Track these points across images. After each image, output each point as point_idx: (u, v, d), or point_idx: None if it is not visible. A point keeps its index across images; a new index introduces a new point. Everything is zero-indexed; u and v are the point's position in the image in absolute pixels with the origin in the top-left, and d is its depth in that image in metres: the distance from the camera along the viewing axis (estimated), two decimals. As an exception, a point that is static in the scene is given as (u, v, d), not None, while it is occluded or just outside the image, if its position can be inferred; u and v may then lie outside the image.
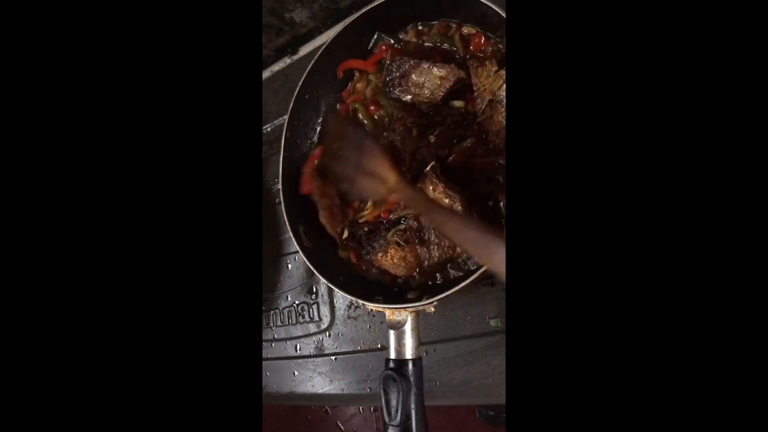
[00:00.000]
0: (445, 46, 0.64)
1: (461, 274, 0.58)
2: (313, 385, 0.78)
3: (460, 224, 0.35)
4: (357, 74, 0.72)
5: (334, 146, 0.57)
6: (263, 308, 0.85)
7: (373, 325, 0.73)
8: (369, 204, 0.64)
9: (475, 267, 0.56)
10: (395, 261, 0.60)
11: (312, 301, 0.79)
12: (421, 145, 0.61)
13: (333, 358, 0.76)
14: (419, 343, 0.58)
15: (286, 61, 0.93)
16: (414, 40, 0.67)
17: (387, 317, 0.60)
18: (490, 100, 0.56)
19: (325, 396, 0.77)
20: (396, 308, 0.58)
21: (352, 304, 0.75)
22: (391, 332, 0.58)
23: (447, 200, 0.55)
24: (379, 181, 0.48)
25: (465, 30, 0.64)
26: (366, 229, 0.64)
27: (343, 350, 0.75)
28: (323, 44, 0.69)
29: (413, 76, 0.61)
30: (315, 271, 0.63)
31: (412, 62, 0.61)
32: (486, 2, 0.56)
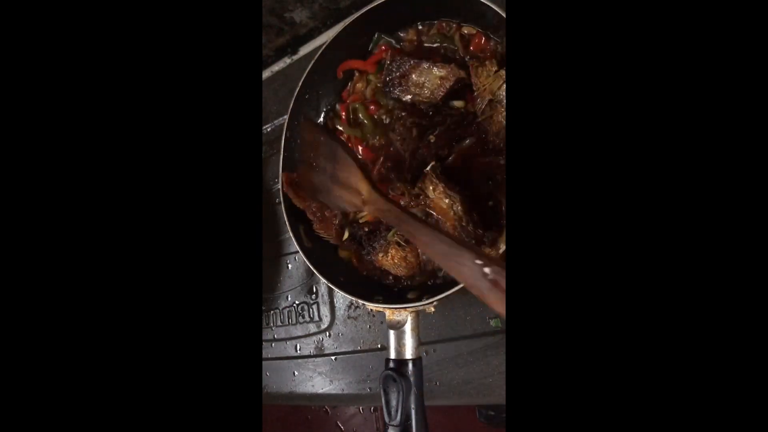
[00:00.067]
0: (445, 45, 0.64)
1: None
2: (313, 385, 0.78)
3: (430, 236, 0.35)
4: (357, 74, 0.72)
5: (310, 156, 0.55)
6: (263, 308, 0.85)
7: (373, 325, 0.73)
8: None
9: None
10: (396, 261, 0.60)
11: (312, 301, 0.79)
12: (421, 145, 0.61)
13: (333, 358, 0.76)
14: (419, 343, 0.58)
15: (286, 61, 0.93)
16: (414, 40, 0.67)
17: (387, 317, 0.60)
18: (490, 100, 0.56)
19: (325, 396, 0.77)
20: (396, 308, 0.58)
21: (352, 304, 0.75)
22: (391, 332, 0.58)
23: (447, 200, 0.55)
24: (353, 191, 0.47)
25: (465, 30, 0.64)
26: (366, 229, 0.65)
27: (343, 350, 0.75)
28: (323, 44, 0.69)
29: (413, 76, 0.61)
30: (315, 271, 0.63)
31: (412, 62, 0.61)
32: (486, 2, 0.56)
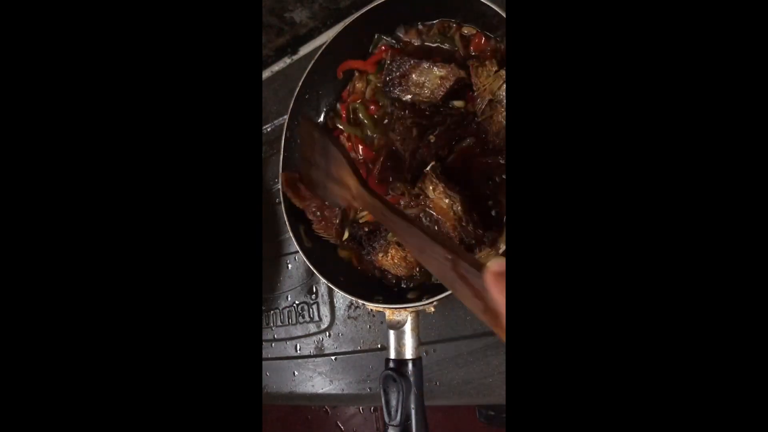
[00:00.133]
0: (445, 46, 0.64)
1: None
2: (313, 385, 0.78)
3: (407, 231, 0.36)
4: (357, 74, 0.72)
5: (307, 153, 0.57)
6: (263, 308, 0.85)
7: (373, 325, 0.73)
8: None
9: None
10: (396, 261, 0.60)
11: (312, 301, 0.79)
12: (421, 145, 0.61)
13: (333, 358, 0.76)
14: (419, 343, 0.58)
15: (286, 61, 0.93)
16: (414, 40, 0.67)
17: (387, 317, 0.60)
18: (490, 100, 0.56)
19: (325, 396, 0.77)
20: (396, 308, 0.58)
21: (352, 304, 0.75)
22: (391, 332, 0.58)
23: (447, 200, 0.55)
24: (344, 186, 0.48)
25: (465, 30, 0.64)
26: (366, 229, 0.65)
27: (343, 350, 0.75)
28: (323, 44, 0.69)
29: (413, 75, 0.61)
30: (315, 271, 0.63)
31: (412, 62, 0.61)
32: (486, 2, 0.56)
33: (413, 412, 0.55)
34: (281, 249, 0.84)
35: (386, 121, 0.66)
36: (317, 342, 0.78)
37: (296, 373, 0.81)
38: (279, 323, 0.83)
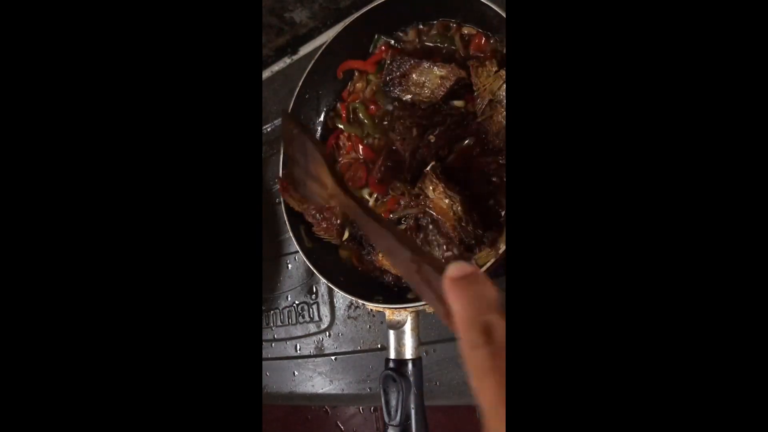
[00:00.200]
0: (445, 46, 0.64)
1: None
2: (313, 385, 0.78)
3: (377, 232, 0.36)
4: (357, 74, 0.72)
5: (289, 151, 0.56)
6: (263, 308, 0.85)
7: (373, 325, 0.73)
8: (371, 204, 0.65)
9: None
10: None
11: (312, 301, 0.79)
12: (420, 144, 0.61)
13: (333, 358, 0.76)
14: (419, 343, 0.58)
15: (286, 61, 0.93)
16: (414, 40, 0.67)
17: (387, 317, 0.60)
18: (490, 100, 0.56)
19: (325, 396, 0.77)
20: (396, 308, 0.58)
21: (352, 304, 0.75)
22: (391, 332, 0.59)
23: (447, 200, 0.55)
24: (321, 184, 0.48)
25: (465, 30, 0.64)
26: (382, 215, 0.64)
27: (343, 350, 0.75)
28: (323, 44, 0.69)
29: (413, 75, 0.61)
30: (315, 271, 0.63)
31: (412, 62, 0.61)
32: (486, 2, 0.56)
33: (413, 412, 0.55)
34: (281, 249, 0.84)
35: (386, 121, 0.66)
36: (317, 342, 0.78)
37: (296, 373, 0.81)
38: (279, 323, 0.83)
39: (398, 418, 0.54)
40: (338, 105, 0.72)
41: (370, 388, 0.72)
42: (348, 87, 0.73)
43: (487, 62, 0.56)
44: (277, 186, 0.72)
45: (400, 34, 0.68)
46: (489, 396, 0.23)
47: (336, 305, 0.77)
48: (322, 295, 0.78)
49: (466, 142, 0.60)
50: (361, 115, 0.68)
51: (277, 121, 0.89)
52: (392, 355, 0.58)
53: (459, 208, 0.55)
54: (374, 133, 0.67)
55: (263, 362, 0.84)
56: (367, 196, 0.65)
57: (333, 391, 0.76)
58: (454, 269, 0.27)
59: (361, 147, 0.67)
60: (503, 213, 0.56)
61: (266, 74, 0.95)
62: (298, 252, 0.69)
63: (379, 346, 0.72)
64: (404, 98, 0.63)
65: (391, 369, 0.57)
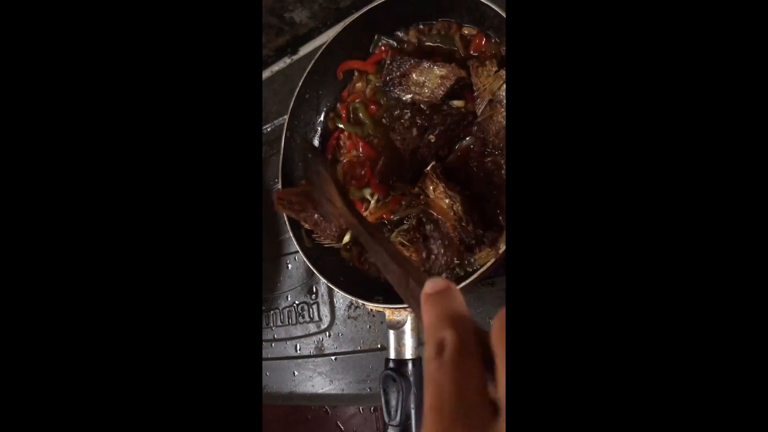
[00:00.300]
0: (446, 46, 0.64)
1: (461, 274, 0.58)
2: (313, 385, 0.78)
3: (375, 251, 0.38)
4: (356, 74, 0.72)
5: (307, 173, 0.63)
6: (263, 308, 0.85)
7: (373, 325, 0.73)
8: (372, 206, 0.65)
9: (475, 267, 0.56)
10: None
11: (312, 301, 0.79)
12: (421, 144, 0.61)
13: (333, 358, 0.76)
14: (419, 343, 0.58)
15: (286, 61, 0.93)
16: (414, 40, 0.67)
17: (387, 317, 0.60)
18: (490, 100, 0.56)
19: (325, 396, 0.77)
20: (396, 308, 0.58)
21: (352, 304, 0.75)
22: (391, 332, 0.59)
23: (447, 200, 0.55)
24: (331, 204, 0.53)
25: (465, 30, 0.64)
26: (380, 230, 0.64)
27: (343, 350, 0.75)
28: (323, 44, 0.69)
29: (414, 75, 0.61)
30: (315, 271, 0.63)
31: (412, 61, 0.61)
32: (486, 2, 0.56)
33: (413, 412, 0.55)
34: (281, 249, 0.84)
35: (386, 120, 0.66)
36: (317, 342, 0.78)
37: (296, 373, 0.81)
38: (279, 323, 0.83)
39: (398, 418, 0.54)
40: (338, 105, 0.72)
41: (370, 388, 0.72)
42: (348, 87, 0.73)
43: (487, 62, 0.56)
44: (278, 186, 0.72)
45: (400, 34, 0.68)
46: (427, 402, 0.24)
47: (336, 305, 0.77)
48: (322, 295, 0.78)
49: (466, 141, 0.60)
50: (361, 114, 0.68)
51: (277, 121, 0.89)
52: (392, 355, 0.58)
53: (459, 207, 0.55)
54: (374, 132, 0.67)
55: (263, 362, 0.84)
56: (368, 197, 0.65)
57: (333, 391, 0.76)
58: (429, 285, 0.29)
59: (361, 144, 0.67)
60: (503, 213, 0.56)
61: (266, 74, 0.95)
62: (298, 252, 0.69)
63: (379, 346, 0.72)
64: (404, 98, 0.63)
65: (391, 369, 0.57)
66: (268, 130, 0.91)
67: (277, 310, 0.84)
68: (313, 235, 0.67)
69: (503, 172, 0.57)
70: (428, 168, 0.56)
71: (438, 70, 0.60)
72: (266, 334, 0.85)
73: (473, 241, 0.55)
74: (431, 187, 0.56)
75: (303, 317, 0.80)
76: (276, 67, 0.94)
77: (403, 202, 0.61)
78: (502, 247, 0.53)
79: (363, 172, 0.66)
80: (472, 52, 0.62)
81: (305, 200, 0.64)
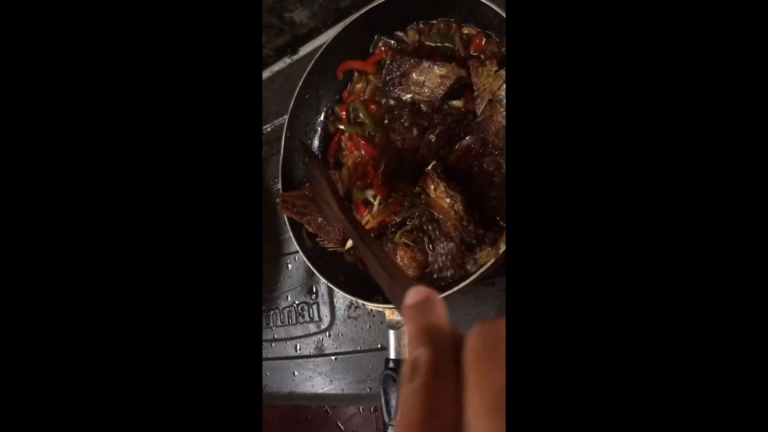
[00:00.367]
0: (446, 45, 0.64)
1: (462, 273, 0.58)
2: (313, 385, 0.78)
3: (367, 256, 0.38)
4: (356, 74, 0.72)
5: (307, 176, 0.64)
6: (263, 308, 0.85)
7: (373, 325, 0.73)
8: (375, 209, 0.65)
9: (475, 267, 0.56)
10: (405, 262, 0.60)
11: (312, 301, 0.79)
12: (421, 144, 0.61)
13: (333, 358, 0.76)
14: (419, 343, 0.58)
15: (286, 61, 0.93)
16: (414, 40, 0.67)
17: (387, 317, 0.60)
18: (490, 100, 0.56)
19: (325, 396, 0.77)
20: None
21: (352, 304, 0.75)
22: (391, 332, 0.58)
23: (448, 200, 0.55)
24: (331, 210, 0.53)
25: (465, 30, 0.64)
26: (372, 235, 0.64)
27: (343, 350, 0.75)
28: (323, 44, 0.69)
29: (414, 74, 0.61)
30: (315, 271, 0.63)
31: (412, 61, 0.61)
32: (486, 2, 0.56)
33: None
34: (281, 249, 0.84)
35: (386, 120, 0.66)
36: (317, 342, 0.78)
37: (296, 373, 0.80)
38: (279, 323, 0.83)
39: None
40: (337, 108, 0.72)
41: (370, 388, 0.72)
42: (348, 87, 0.73)
43: (487, 62, 0.56)
44: (278, 186, 0.72)
45: (400, 34, 0.68)
46: (400, 426, 0.22)
47: (336, 305, 0.77)
48: (322, 295, 0.78)
49: (466, 141, 0.60)
50: (361, 114, 0.68)
51: (277, 121, 0.89)
52: (392, 355, 0.58)
53: (460, 207, 0.55)
54: (375, 132, 0.67)
55: (263, 362, 0.84)
56: (371, 199, 0.65)
57: (333, 391, 0.76)
58: (410, 295, 0.27)
59: (362, 144, 0.67)
60: (504, 213, 0.56)
61: (266, 74, 0.95)
62: (298, 252, 0.69)
63: (379, 346, 0.72)
64: (404, 98, 0.63)
65: (391, 369, 0.57)
66: (268, 130, 0.91)
67: (277, 310, 0.84)
68: (317, 239, 0.67)
69: (503, 171, 0.57)
70: (429, 167, 0.56)
71: (438, 70, 0.60)
72: (266, 334, 0.85)
73: (474, 241, 0.55)
74: (432, 187, 0.56)
75: (303, 317, 0.80)
76: (276, 67, 0.94)
77: (405, 203, 0.61)
78: (503, 247, 0.53)
79: (366, 172, 0.66)
80: (472, 52, 0.62)
81: (308, 203, 0.64)
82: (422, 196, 0.57)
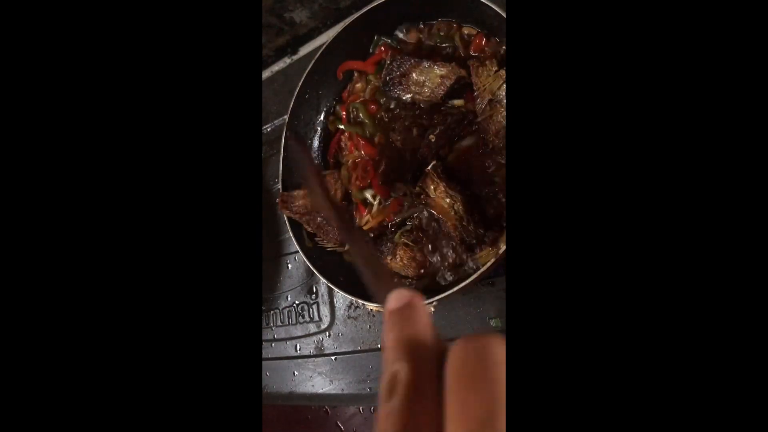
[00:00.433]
0: (446, 45, 0.64)
1: (461, 273, 0.58)
2: (313, 385, 0.78)
3: (354, 250, 0.37)
4: (356, 75, 0.72)
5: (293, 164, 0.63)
6: (263, 308, 0.85)
7: (373, 325, 0.73)
8: (375, 209, 0.65)
9: (475, 267, 0.56)
10: (405, 262, 0.60)
11: (312, 301, 0.79)
12: (421, 144, 0.61)
13: (333, 358, 0.76)
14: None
15: (286, 61, 0.93)
16: (414, 40, 0.67)
17: (387, 317, 0.59)
18: (490, 100, 0.56)
19: (325, 396, 0.77)
20: (396, 308, 0.58)
21: (352, 304, 0.75)
22: (391, 332, 0.58)
23: (448, 200, 0.55)
24: (323, 205, 0.51)
25: (465, 30, 0.64)
26: (372, 235, 0.64)
27: (343, 350, 0.75)
28: (323, 44, 0.69)
29: (414, 74, 0.61)
30: (315, 271, 0.63)
31: (413, 61, 0.61)
32: (486, 2, 0.56)
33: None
34: (281, 249, 0.84)
35: (386, 120, 0.66)
36: (317, 342, 0.78)
37: (296, 373, 0.80)
38: (279, 323, 0.83)
39: (398, 418, 0.54)
40: (338, 107, 0.72)
41: (370, 388, 0.72)
42: (348, 87, 0.73)
43: (487, 62, 0.56)
44: (278, 186, 0.72)
45: (400, 34, 0.68)
46: None
47: (336, 305, 0.77)
48: (322, 295, 0.78)
49: (466, 141, 0.60)
50: (361, 114, 0.68)
51: (277, 121, 0.89)
52: (392, 355, 0.58)
53: (460, 207, 0.55)
54: (375, 132, 0.67)
55: (263, 362, 0.84)
56: (371, 199, 0.65)
57: (333, 391, 0.76)
58: (391, 300, 0.24)
59: (362, 144, 0.67)
60: (503, 212, 0.56)
61: (266, 74, 0.95)
62: (298, 252, 0.69)
63: (379, 346, 0.72)
64: (404, 97, 0.63)
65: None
66: (268, 130, 0.91)
67: (277, 310, 0.84)
68: (316, 239, 0.67)
69: (503, 171, 0.57)
70: (429, 167, 0.56)
71: (438, 70, 0.60)
72: (266, 334, 0.85)
73: (474, 241, 0.55)
74: (432, 187, 0.56)
75: (303, 317, 0.80)
76: (276, 67, 0.94)
77: (405, 203, 0.61)
78: (503, 247, 0.53)
79: (366, 172, 0.66)
80: (472, 52, 0.62)
81: (308, 203, 0.64)
82: (422, 196, 0.57)
